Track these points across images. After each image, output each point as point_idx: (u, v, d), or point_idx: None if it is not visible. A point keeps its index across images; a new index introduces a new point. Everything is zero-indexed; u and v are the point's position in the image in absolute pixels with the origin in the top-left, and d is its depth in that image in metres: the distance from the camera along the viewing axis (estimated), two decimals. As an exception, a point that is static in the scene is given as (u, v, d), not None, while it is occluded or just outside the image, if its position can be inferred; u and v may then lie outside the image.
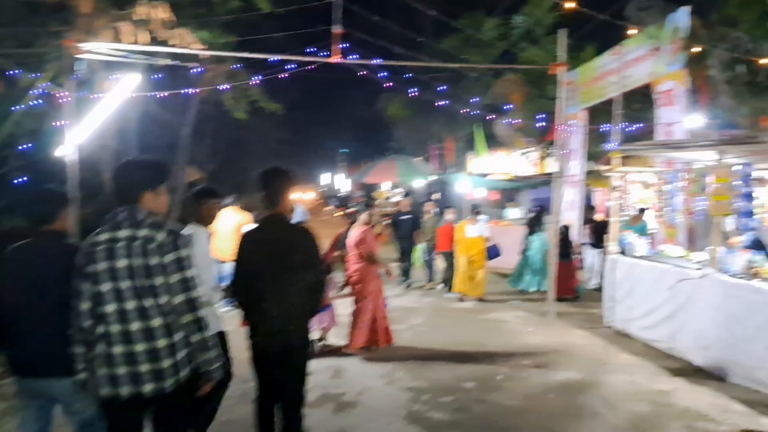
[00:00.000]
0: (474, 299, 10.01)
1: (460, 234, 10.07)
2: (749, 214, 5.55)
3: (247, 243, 3.72)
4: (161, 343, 2.63)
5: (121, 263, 2.64)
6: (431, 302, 10.14)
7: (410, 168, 19.18)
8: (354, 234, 6.86)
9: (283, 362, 3.64)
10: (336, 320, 7.05)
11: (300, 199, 30.70)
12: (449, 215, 10.65)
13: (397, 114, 26.53)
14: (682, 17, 9.53)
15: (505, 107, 18.28)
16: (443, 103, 13.24)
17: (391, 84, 12.26)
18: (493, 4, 20.58)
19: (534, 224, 10.46)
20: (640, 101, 10.50)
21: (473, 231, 9.96)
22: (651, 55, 10.56)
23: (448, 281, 10.58)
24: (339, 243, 7.43)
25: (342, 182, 53.85)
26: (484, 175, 17.03)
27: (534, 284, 10.50)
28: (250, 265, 3.60)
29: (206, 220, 4.09)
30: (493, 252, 10.12)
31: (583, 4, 13.77)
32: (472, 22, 22.33)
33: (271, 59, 8.39)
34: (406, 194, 12.17)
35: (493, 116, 16.40)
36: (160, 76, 10.83)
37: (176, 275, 2.66)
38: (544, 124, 15.14)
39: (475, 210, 10.36)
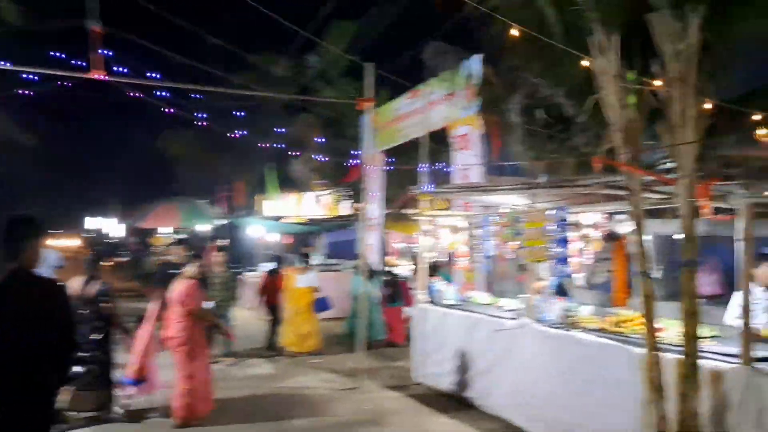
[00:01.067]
0: (303, 354, 9.25)
1: (289, 284, 9.37)
2: (564, 260, 5.25)
3: None
4: None
5: None
6: (218, 371, 8.51)
7: (194, 211, 17.19)
8: (179, 289, 5.99)
9: None
10: (154, 386, 6.31)
11: (58, 246, 26.55)
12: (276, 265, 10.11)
13: (181, 153, 24.41)
14: (475, 64, 9.70)
15: (300, 149, 17.60)
16: (235, 134, 11.98)
17: (172, 113, 10.65)
18: (285, 43, 20.10)
19: (372, 271, 9.82)
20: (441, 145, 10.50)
21: (303, 281, 9.29)
22: (446, 100, 10.62)
23: (273, 336, 9.65)
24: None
25: (114, 227, 48.43)
26: (278, 218, 15.90)
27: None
28: None
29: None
30: (321, 304, 9.52)
31: (380, 47, 13.79)
32: (266, 59, 21.57)
33: None
34: (179, 241, 10.23)
35: (295, 155, 15.54)
36: None
37: None
38: (344, 164, 14.73)
39: (305, 258, 9.72)
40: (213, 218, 17.27)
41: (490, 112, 9.39)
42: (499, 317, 6.26)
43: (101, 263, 6.41)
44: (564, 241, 5.28)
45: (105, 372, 5.95)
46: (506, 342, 5.98)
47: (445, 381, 7.05)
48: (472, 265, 7.91)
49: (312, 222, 16.18)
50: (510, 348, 5.93)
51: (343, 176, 15.00)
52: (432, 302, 7.50)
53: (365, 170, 9.03)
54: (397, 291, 10.15)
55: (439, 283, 7.59)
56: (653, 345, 4.22)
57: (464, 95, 10.19)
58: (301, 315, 9.27)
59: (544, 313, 5.62)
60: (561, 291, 6.70)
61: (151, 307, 6.41)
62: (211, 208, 18.87)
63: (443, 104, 10.89)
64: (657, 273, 7.05)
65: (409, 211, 7.76)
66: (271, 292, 9.69)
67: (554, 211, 5.45)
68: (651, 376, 4.19)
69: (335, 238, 17.17)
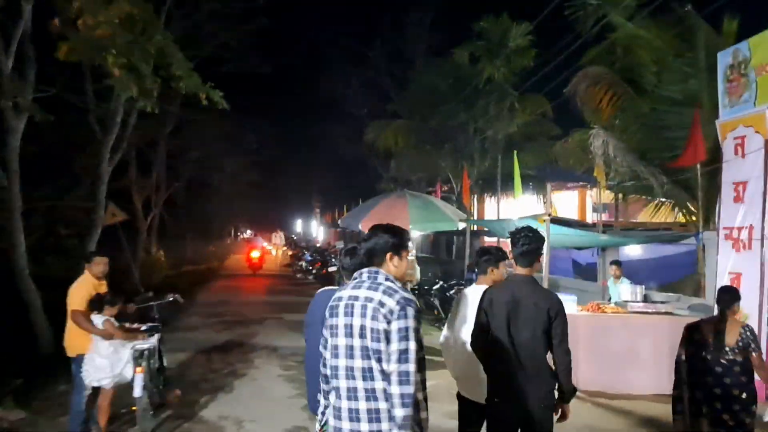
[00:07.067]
0: None
1: None
2: None
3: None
4: (382, 405, 2.65)
5: (356, 322, 2.73)
6: None
7: (429, 210, 12.38)
8: None
9: None
10: None
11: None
12: None
13: (392, 144, 20.77)
14: None
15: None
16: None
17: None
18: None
19: None
20: None
21: None
22: None
23: None
24: None
25: (318, 230, 48.13)
26: (582, 224, 10.54)
27: None
28: None
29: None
30: None
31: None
32: (493, 26, 17.35)
33: None
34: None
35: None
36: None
37: (397, 344, 2.63)
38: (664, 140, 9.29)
39: None
40: (455, 220, 12.35)
41: None
42: None
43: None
44: None
45: None
46: None
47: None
48: None
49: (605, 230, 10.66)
50: None
51: (670, 159, 9.51)
52: None
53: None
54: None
55: None
56: None
57: None
58: None
59: None
60: None
61: None
62: (451, 207, 14.08)
63: None
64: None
65: None
66: None
67: None
68: None
69: (623, 256, 11.51)
